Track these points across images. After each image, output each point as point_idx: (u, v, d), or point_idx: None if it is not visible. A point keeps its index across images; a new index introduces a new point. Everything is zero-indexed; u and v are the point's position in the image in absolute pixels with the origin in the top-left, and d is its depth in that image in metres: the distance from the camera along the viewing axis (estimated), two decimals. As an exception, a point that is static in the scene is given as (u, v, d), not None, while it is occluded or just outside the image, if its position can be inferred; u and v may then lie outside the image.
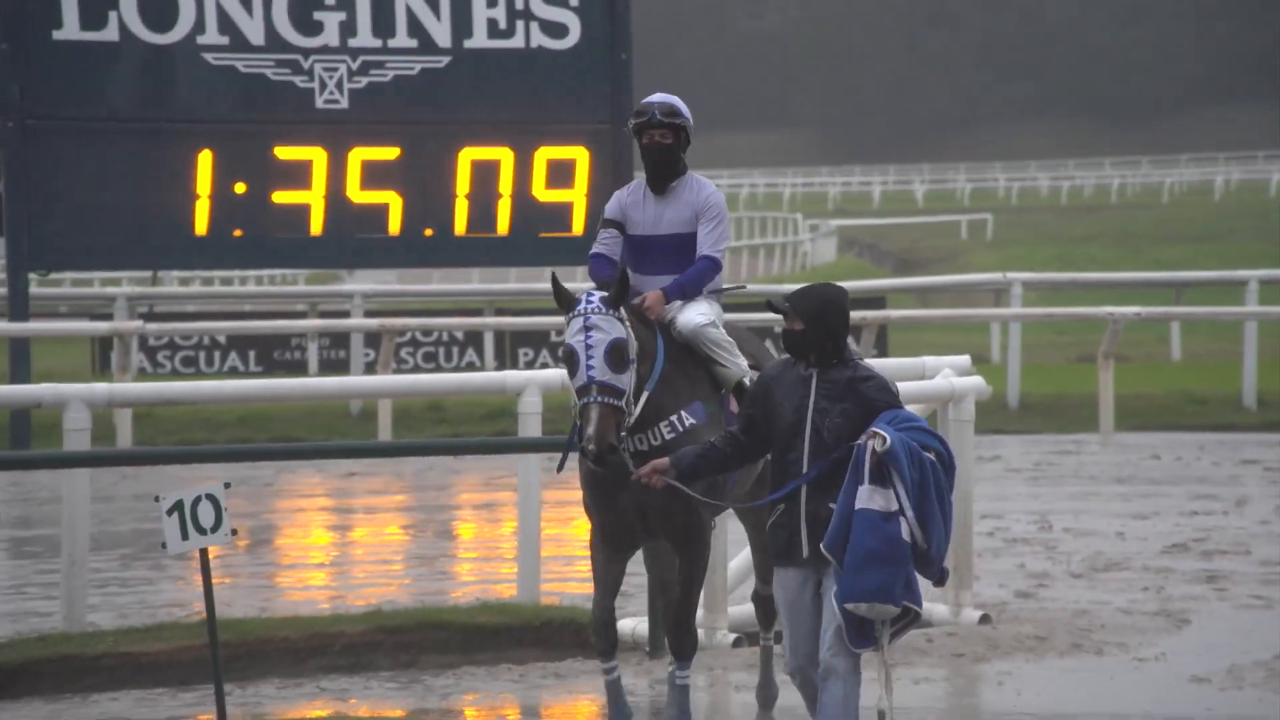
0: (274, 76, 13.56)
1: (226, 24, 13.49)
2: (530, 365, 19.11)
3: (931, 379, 8.60)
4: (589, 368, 5.68)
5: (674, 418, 5.83)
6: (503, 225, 13.84)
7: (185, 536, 6.49)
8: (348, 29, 13.67)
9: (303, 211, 13.64)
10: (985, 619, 8.41)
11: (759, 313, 15.12)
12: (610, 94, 13.95)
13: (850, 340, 5.49)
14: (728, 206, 6.24)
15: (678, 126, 6.12)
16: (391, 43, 13.73)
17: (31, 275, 13.80)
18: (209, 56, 13.46)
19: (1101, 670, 7.65)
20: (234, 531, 6.59)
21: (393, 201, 13.80)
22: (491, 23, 13.90)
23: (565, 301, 5.82)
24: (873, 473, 5.17)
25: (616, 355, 5.72)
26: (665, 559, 6.33)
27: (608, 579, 6.07)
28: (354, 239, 13.81)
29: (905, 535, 5.17)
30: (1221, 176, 54.14)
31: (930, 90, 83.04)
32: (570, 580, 9.36)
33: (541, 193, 13.86)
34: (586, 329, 5.72)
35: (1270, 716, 6.88)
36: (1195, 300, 21.85)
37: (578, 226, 13.86)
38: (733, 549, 8.15)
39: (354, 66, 13.70)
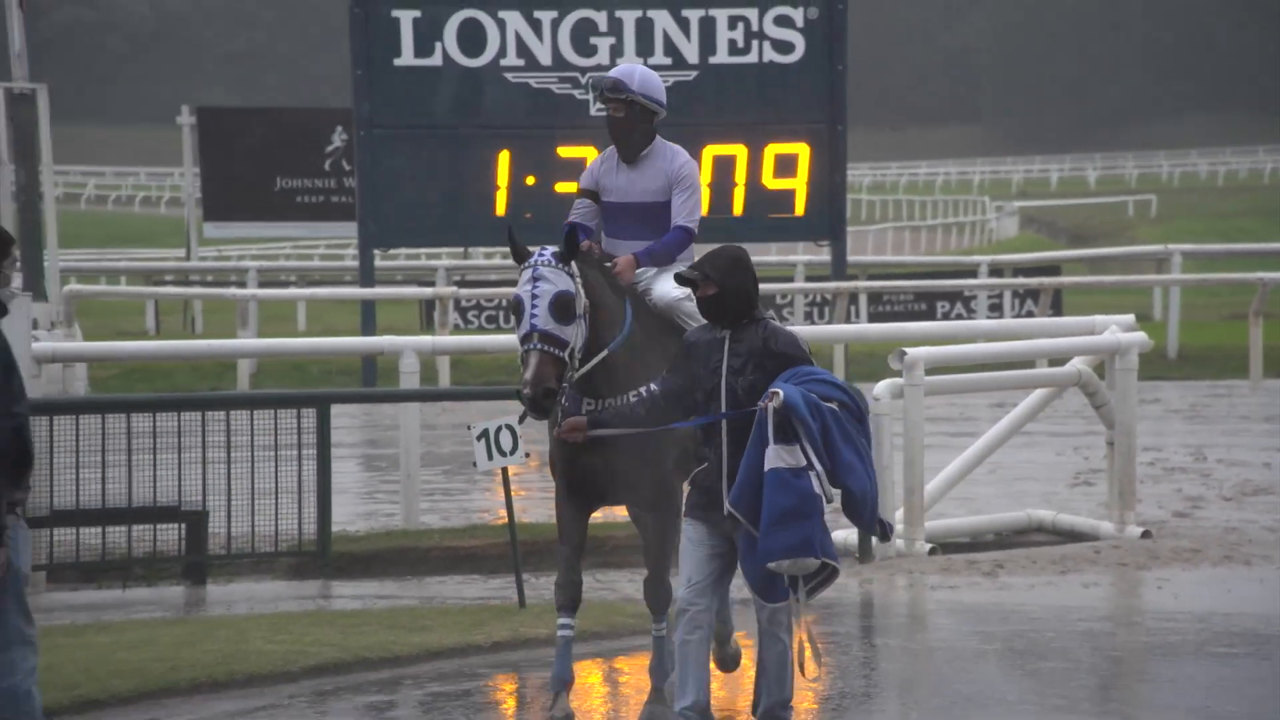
0: (557, 90, 13.86)
1: (523, 49, 13.87)
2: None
3: (1100, 334, 8.46)
4: (533, 316, 4.95)
5: (643, 389, 4.91)
6: (738, 208, 13.94)
7: (490, 457, 6.75)
8: (616, 50, 13.89)
9: (579, 199, 13.94)
10: (1146, 534, 8.18)
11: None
12: (828, 99, 13.94)
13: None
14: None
15: (629, 101, 5.31)
16: (651, 60, 13.88)
17: (375, 251, 14.48)
18: (508, 75, 13.85)
19: (1249, 578, 7.41)
20: (527, 454, 6.80)
21: (650, 191, 13.98)
22: (731, 42, 13.95)
23: (520, 255, 5.06)
24: (777, 432, 4.48)
25: (561, 307, 4.95)
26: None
27: (575, 534, 5.18)
28: (619, 221, 14.06)
29: (816, 489, 4.48)
30: (1365, 159, 50.70)
31: (1101, 90, 79.70)
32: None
33: (770, 181, 13.92)
34: (534, 279, 4.98)
35: (1401, 622, 6.57)
36: (1338, 266, 20.58)
37: (799, 209, 13.93)
38: (928, 474, 8.13)
39: (620, 81, 13.91)
